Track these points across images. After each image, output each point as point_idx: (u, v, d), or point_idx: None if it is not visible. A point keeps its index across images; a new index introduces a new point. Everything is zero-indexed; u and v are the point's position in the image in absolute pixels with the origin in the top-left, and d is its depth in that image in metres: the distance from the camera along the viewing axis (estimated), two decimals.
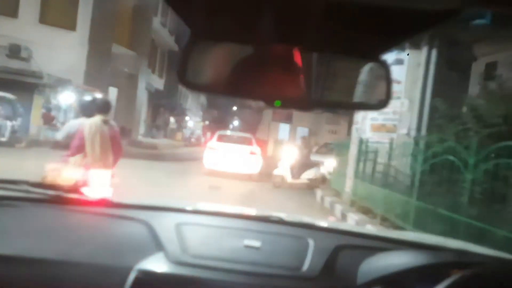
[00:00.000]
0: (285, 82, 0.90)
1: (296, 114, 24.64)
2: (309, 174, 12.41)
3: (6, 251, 1.25)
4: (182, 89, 37.71)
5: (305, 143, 14.91)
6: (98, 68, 18.66)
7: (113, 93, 21.84)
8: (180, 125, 36.52)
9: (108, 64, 19.35)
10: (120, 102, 22.15)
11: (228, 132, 15.93)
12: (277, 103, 0.91)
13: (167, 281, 1.21)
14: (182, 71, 0.90)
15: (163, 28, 27.16)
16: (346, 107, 1.35)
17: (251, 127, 35.05)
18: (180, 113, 36.08)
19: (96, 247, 1.32)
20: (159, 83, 29.10)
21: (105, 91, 19.81)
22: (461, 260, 1.34)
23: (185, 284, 1.22)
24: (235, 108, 46.61)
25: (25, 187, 1.56)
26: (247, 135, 15.03)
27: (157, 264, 1.25)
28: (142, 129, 26.09)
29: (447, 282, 1.03)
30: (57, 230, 1.41)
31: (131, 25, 21.81)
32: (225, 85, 0.92)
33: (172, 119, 34.94)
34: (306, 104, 0.99)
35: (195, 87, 0.94)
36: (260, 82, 0.90)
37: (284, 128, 25.28)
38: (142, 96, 24.03)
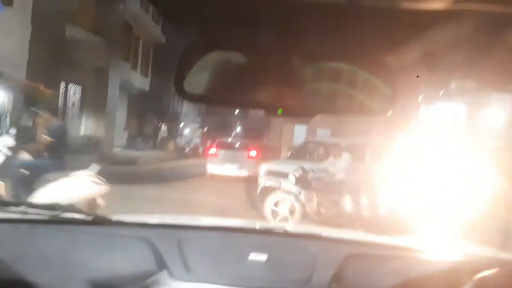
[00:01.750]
0: (285, 90, 0.90)
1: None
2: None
3: (6, 275, 1.19)
4: (174, 89, 32.63)
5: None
6: (47, 57, 13.40)
7: (75, 92, 16.55)
8: (173, 133, 31.20)
9: (61, 52, 14.07)
10: (86, 104, 16.87)
11: (228, 140, 16.74)
12: (279, 111, 0.92)
13: None
14: (179, 82, 0.92)
15: (145, 13, 21.92)
16: (348, 114, 1.11)
17: (256, 132, 29.97)
18: (173, 119, 30.86)
19: (98, 267, 1.27)
20: (143, 82, 23.82)
21: (56, 88, 14.52)
22: (476, 265, 1.25)
23: None
24: (237, 111, 41.47)
25: (22, 208, 1.49)
26: (245, 141, 16.36)
27: (161, 283, 1.20)
28: (120, 139, 20.77)
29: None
30: (57, 251, 1.34)
31: (95, 1, 16.58)
32: (225, 95, 0.95)
33: (163, 127, 29.69)
34: (308, 111, 0.99)
35: (194, 98, 0.98)
36: (260, 91, 0.91)
37: (300, 131, 20.00)
38: (116, 97, 18.70)
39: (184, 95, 0.93)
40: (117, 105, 18.97)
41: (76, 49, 14.69)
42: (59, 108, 15.62)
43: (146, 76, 24.49)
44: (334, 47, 0.89)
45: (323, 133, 19.35)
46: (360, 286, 1.29)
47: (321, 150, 10.36)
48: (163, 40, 24.27)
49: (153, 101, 25.71)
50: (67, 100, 16.13)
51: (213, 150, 14.42)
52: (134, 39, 21.77)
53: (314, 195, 6.77)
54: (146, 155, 19.16)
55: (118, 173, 13.02)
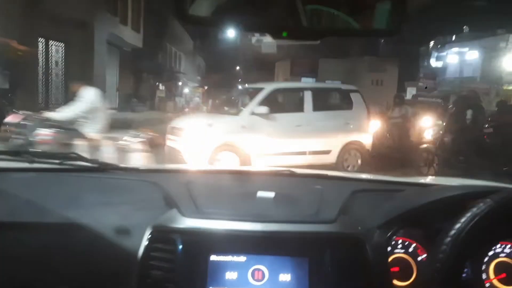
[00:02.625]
0: (291, 12, 0.88)
1: (323, 63, 17.71)
2: None
3: (15, 218, 1.23)
4: (171, 47, 30.84)
5: None
6: (20, 10, 11.82)
7: (57, 49, 14.99)
8: (172, 92, 29.67)
9: (37, 4, 12.45)
10: (71, 62, 15.31)
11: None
12: (284, 34, 0.90)
13: (183, 236, 1.18)
14: (180, 3, 0.89)
15: None
16: (355, 34, 1.09)
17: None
18: (170, 78, 29.28)
19: (108, 209, 1.30)
20: (135, 38, 22.11)
21: (34, 45, 13.00)
22: (478, 192, 1.22)
23: (201, 236, 1.19)
24: (238, 68, 39.76)
25: (28, 157, 1.52)
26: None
27: (171, 220, 1.23)
28: (111, 100, 19.32)
29: (471, 212, 1.02)
30: (66, 197, 1.36)
31: None
32: (228, 18, 0.92)
33: (161, 86, 28.12)
34: (314, 33, 0.98)
35: (196, 20, 0.93)
36: (265, 14, 0.89)
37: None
38: (104, 54, 17.13)
39: (186, 18, 0.88)
40: (105, 63, 17.42)
41: (54, 1, 13.04)
42: (41, 68, 14.16)
43: (138, 31, 22.74)
44: None
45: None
46: (367, 217, 1.26)
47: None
48: None
49: (147, 58, 24.08)
50: (49, 59, 14.60)
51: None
52: None
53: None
54: (141, 117, 17.82)
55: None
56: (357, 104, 8.10)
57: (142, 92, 24.93)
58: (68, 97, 14.68)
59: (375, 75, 17.30)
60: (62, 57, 15.16)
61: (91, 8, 15.15)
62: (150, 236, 1.16)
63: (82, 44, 15.32)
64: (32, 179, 1.46)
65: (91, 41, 15.70)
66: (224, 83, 38.64)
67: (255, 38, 20.29)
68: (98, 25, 16.05)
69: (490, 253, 1.26)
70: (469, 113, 8.10)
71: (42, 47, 14.11)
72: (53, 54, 14.79)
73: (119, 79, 21.17)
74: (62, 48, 15.10)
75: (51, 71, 14.85)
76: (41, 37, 13.85)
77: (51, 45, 14.61)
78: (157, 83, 27.74)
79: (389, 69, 17.08)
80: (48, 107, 13.85)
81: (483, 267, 1.25)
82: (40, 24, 12.94)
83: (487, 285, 1.24)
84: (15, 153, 1.55)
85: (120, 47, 20.45)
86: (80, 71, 15.17)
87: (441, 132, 8.01)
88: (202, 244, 1.17)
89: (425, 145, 7.97)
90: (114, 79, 20.03)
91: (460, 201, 1.13)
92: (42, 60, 14.19)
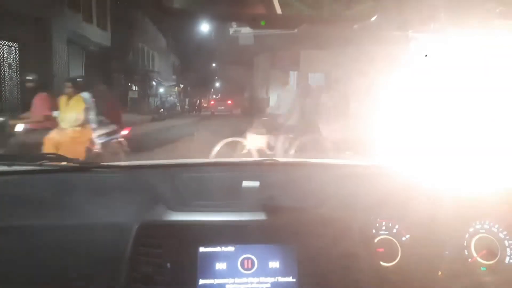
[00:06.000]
0: (267, 1, 0.88)
1: (305, 55, 16.48)
2: None
3: (5, 222, 1.23)
4: (143, 46, 29.31)
5: None
6: None
7: (9, 50, 13.40)
8: (145, 93, 28.14)
9: None
10: (27, 64, 13.73)
11: (219, 95, 29.72)
12: (262, 23, 0.92)
13: (171, 229, 1.20)
14: None
15: None
16: (332, 22, 1.13)
17: (237, 85, 27.41)
18: (143, 77, 27.75)
19: (95, 207, 1.31)
20: (102, 37, 20.60)
21: None
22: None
23: (189, 229, 1.21)
24: (214, 64, 38.40)
25: (9, 160, 1.50)
26: (227, 95, 27.81)
27: (159, 215, 1.26)
28: None
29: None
30: (50, 198, 1.37)
31: None
32: (205, 8, 0.96)
33: (133, 87, 26.57)
34: (291, 22, 0.99)
35: (174, 12, 0.95)
36: (243, 4, 0.91)
37: (290, 77, 17.12)
38: (65, 55, 15.59)
39: (167, 10, 0.87)
40: (67, 64, 15.89)
41: None
42: None
43: (105, 29, 21.20)
44: None
45: (315, 78, 16.75)
46: (351, 201, 1.31)
47: None
48: None
49: (117, 58, 22.54)
50: (1, 61, 13.01)
51: (212, 102, 28.78)
52: None
53: None
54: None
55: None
56: None
57: (112, 93, 23.38)
58: (26, 101, 13.20)
59: (359, 66, 16.22)
60: (16, 58, 13.57)
61: (47, 3, 13.61)
62: (138, 231, 1.19)
63: (39, 44, 13.76)
64: (14, 182, 1.44)
65: (48, 40, 14.16)
66: (200, 82, 37.28)
67: (232, 29, 19.05)
68: (56, 22, 14.52)
69: (471, 229, 1.29)
70: None
71: None
72: (5, 56, 13.20)
73: (86, 81, 19.62)
74: (15, 48, 13.51)
75: (4, 74, 13.25)
76: None
77: (2, 46, 13.03)
78: (129, 84, 26.18)
79: (377, 64, 16.04)
80: (3, 114, 12.33)
81: (465, 243, 1.28)
82: None
83: (470, 261, 1.26)
84: None
85: (86, 47, 18.90)
86: (38, 74, 13.64)
87: None
88: (190, 237, 1.20)
89: None
90: None
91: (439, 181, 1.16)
92: None
